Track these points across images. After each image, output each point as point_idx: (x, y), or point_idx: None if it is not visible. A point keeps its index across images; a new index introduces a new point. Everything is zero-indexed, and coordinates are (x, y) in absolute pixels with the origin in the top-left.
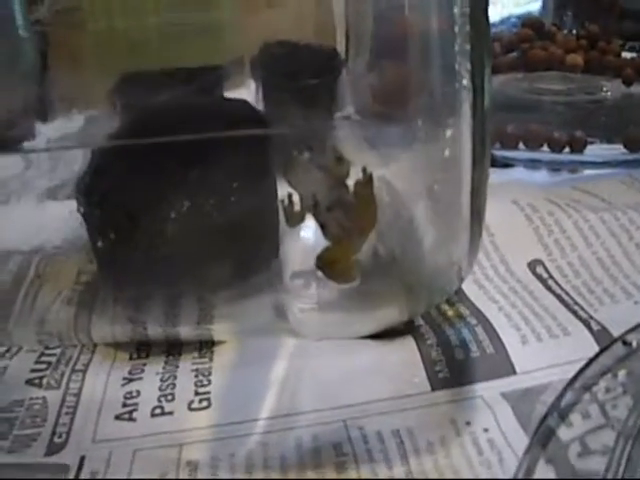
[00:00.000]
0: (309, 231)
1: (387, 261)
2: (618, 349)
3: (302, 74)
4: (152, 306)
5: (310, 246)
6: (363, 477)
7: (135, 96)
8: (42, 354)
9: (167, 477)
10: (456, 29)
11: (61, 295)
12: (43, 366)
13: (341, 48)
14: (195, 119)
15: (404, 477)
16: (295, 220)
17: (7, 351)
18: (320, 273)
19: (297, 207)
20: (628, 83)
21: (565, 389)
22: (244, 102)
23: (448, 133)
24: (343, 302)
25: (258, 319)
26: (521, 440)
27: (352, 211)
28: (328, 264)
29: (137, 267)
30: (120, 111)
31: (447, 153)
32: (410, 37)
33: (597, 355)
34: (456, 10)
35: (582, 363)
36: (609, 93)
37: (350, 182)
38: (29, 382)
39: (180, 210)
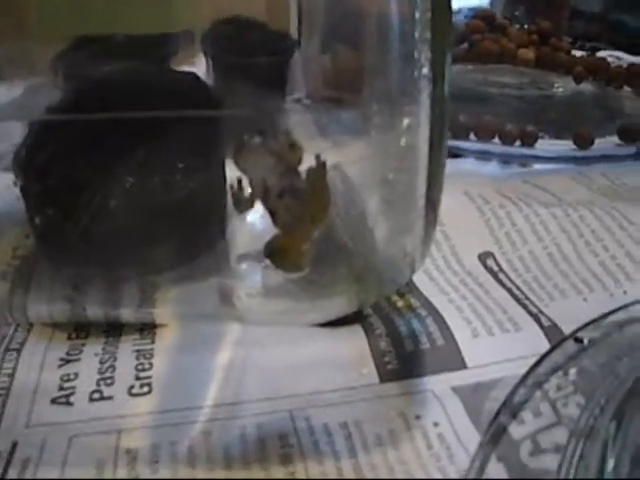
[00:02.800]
0: (257, 214)
1: (338, 250)
2: (569, 346)
3: (254, 53)
4: (92, 286)
5: (258, 229)
6: (310, 469)
7: (80, 64)
8: None
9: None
10: (417, 15)
11: None
12: None
13: (293, 29)
14: (143, 93)
15: (351, 470)
16: (244, 206)
17: None
18: (268, 261)
19: (246, 192)
20: (578, 81)
21: (517, 386)
22: (194, 76)
23: (405, 121)
24: (291, 289)
25: (203, 303)
26: (472, 435)
27: (304, 199)
28: (277, 253)
29: (76, 245)
30: (63, 80)
31: (403, 142)
32: (365, 20)
33: (549, 352)
34: None
35: (533, 359)
36: (560, 89)
37: (302, 169)
38: None
39: (122, 187)
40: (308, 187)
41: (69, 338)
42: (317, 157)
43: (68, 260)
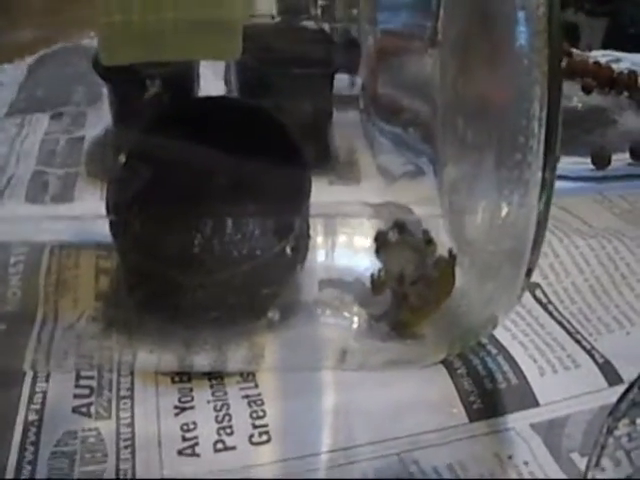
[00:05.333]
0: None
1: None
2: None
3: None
4: (201, 343)
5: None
6: None
7: None
8: (79, 376)
9: None
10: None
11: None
12: (86, 391)
13: None
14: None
15: None
16: (380, 290)
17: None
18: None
19: (383, 278)
20: (588, 91)
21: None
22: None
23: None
24: (385, 338)
25: (306, 353)
26: (557, 474)
27: (432, 285)
28: (402, 326)
29: (186, 303)
30: None
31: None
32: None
33: (619, 401)
34: None
35: (594, 395)
36: (579, 104)
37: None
38: (76, 410)
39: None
40: (437, 275)
41: (173, 382)
42: (450, 251)
43: (177, 319)
